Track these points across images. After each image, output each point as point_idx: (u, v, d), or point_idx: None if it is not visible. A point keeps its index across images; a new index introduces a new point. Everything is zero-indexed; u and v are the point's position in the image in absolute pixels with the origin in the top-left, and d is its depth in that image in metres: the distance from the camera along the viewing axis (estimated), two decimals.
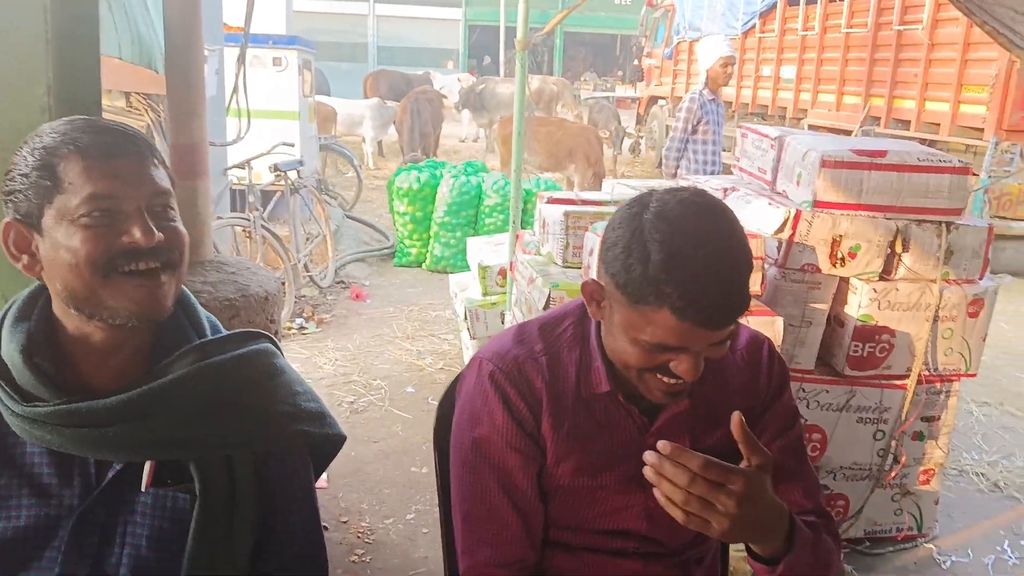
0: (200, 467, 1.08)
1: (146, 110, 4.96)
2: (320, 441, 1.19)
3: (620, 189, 4.00)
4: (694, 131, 5.53)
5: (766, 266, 2.81)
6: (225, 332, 1.19)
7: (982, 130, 6.93)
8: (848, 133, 8.04)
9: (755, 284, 2.69)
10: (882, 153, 2.77)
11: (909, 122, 7.72)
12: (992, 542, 3.10)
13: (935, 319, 2.82)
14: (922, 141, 7.25)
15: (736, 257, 1.03)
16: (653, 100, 13.91)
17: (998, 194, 6.98)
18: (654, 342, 1.04)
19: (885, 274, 2.80)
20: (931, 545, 3.03)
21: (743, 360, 1.27)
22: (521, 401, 1.17)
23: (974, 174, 6.88)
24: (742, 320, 1.27)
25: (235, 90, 3.94)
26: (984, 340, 2.93)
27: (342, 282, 6.03)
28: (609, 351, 1.16)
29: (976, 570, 2.92)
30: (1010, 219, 7.12)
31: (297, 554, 1.16)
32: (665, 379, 1.09)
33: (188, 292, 1.20)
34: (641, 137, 14.29)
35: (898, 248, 2.77)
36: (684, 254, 0.99)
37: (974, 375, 2.96)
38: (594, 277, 1.15)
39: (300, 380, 1.20)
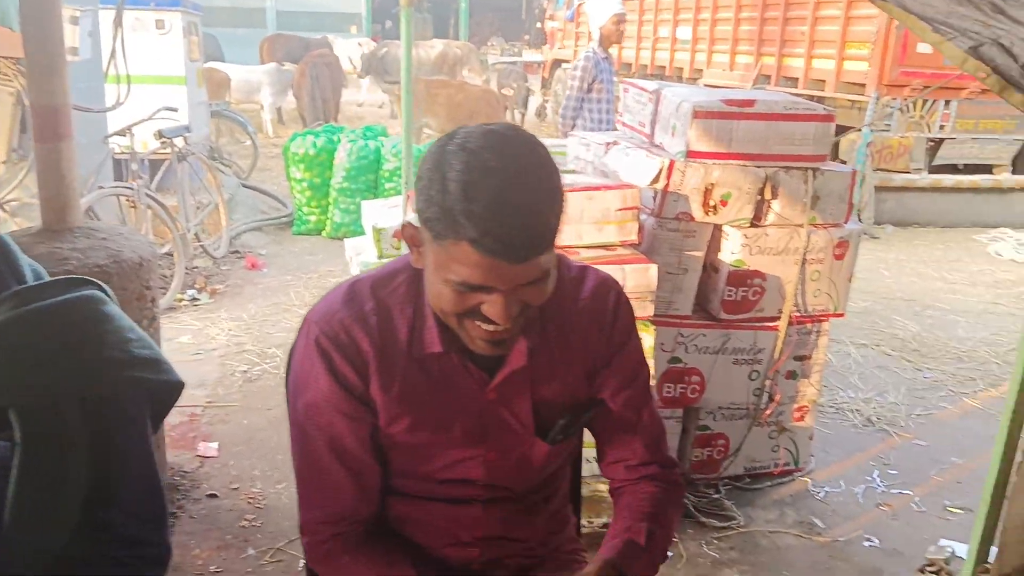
0: (21, 415, 1.05)
1: (15, 75, 4.69)
2: (156, 388, 1.17)
3: None
4: (589, 90, 5.57)
5: (643, 216, 2.88)
6: (48, 279, 1.16)
7: (864, 86, 7.21)
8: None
9: (632, 233, 2.76)
10: (750, 103, 2.85)
11: (797, 79, 7.97)
12: (863, 472, 3.29)
13: (803, 262, 2.94)
14: (810, 98, 7.50)
15: (535, 187, 0.99)
16: (557, 63, 13.93)
17: (879, 147, 7.28)
18: (460, 280, 1.00)
19: (756, 220, 2.90)
20: (807, 478, 3.19)
21: (587, 307, 1.22)
22: (347, 365, 1.14)
23: (856, 128, 7.20)
24: (594, 265, 1.28)
25: (112, 54, 3.76)
26: (850, 281, 3.08)
27: (237, 252, 5.89)
28: (429, 299, 1.11)
29: (847, 499, 3.09)
30: (891, 171, 7.45)
31: (134, 502, 1.14)
32: (482, 325, 1.05)
33: (6, 238, 1.15)
34: (547, 101, 14.31)
35: (767, 195, 2.87)
36: (480, 183, 0.96)
37: (842, 315, 3.11)
38: None
39: (132, 326, 1.17)
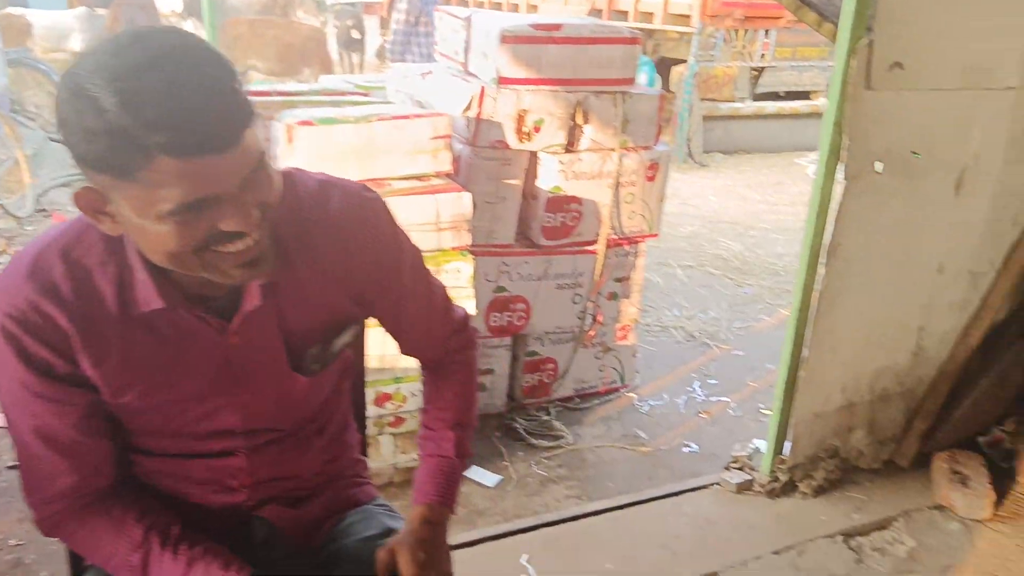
0: None
1: None
2: None
3: (331, 81, 3.87)
4: (416, 23, 5.45)
5: (459, 146, 2.85)
6: None
7: (689, 17, 7.41)
8: None
9: (446, 163, 2.71)
10: (558, 27, 2.84)
11: (627, 13, 8.09)
12: (685, 384, 3.45)
13: (617, 185, 3.00)
14: (640, 31, 7.64)
15: (198, 62, 0.85)
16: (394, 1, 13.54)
17: (705, 78, 7.53)
18: (175, 206, 0.85)
19: (569, 146, 2.92)
20: (632, 394, 3.32)
21: (339, 224, 1.08)
22: (42, 347, 0.99)
23: (685, 60, 7.37)
24: (340, 175, 1.16)
25: None
26: (662, 202, 3.17)
27: (44, 210, 5.43)
28: (152, 256, 0.94)
29: (670, 410, 3.24)
30: (717, 101, 7.73)
31: None
32: (227, 248, 0.92)
33: None
34: (387, 40, 13.91)
35: (579, 120, 2.89)
36: (137, 84, 0.81)
37: (656, 235, 3.21)
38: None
39: None
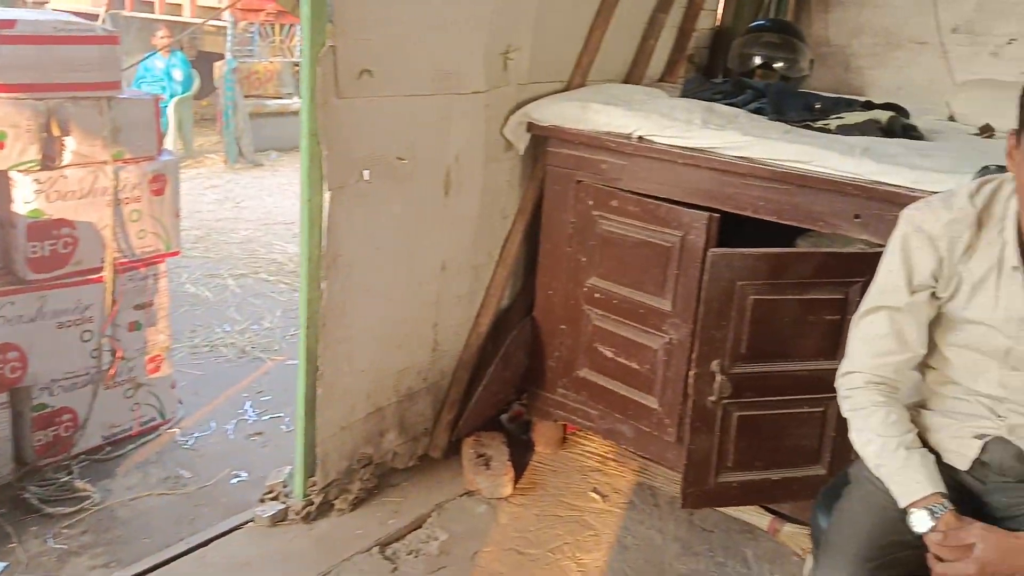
0: None
1: None
2: None
3: None
4: None
5: None
6: None
7: (220, 10, 7.05)
8: (95, 18, 7.42)
9: None
10: (10, 24, 2.43)
11: (153, 4, 7.47)
12: (235, 407, 3.22)
13: (117, 203, 2.67)
14: (171, 24, 7.12)
15: None
16: None
17: (247, 74, 7.27)
18: None
19: (49, 161, 2.52)
20: (175, 429, 3.01)
21: None
22: None
23: (222, 56, 7.01)
24: None
25: None
26: (178, 217, 2.91)
27: None
28: None
29: (218, 438, 3.00)
30: (263, 97, 7.52)
31: None
32: None
33: None
34: None
35: (56, 131, 2.51)
36: None
37: (177, 253, 2.95)
38: None
39: None
